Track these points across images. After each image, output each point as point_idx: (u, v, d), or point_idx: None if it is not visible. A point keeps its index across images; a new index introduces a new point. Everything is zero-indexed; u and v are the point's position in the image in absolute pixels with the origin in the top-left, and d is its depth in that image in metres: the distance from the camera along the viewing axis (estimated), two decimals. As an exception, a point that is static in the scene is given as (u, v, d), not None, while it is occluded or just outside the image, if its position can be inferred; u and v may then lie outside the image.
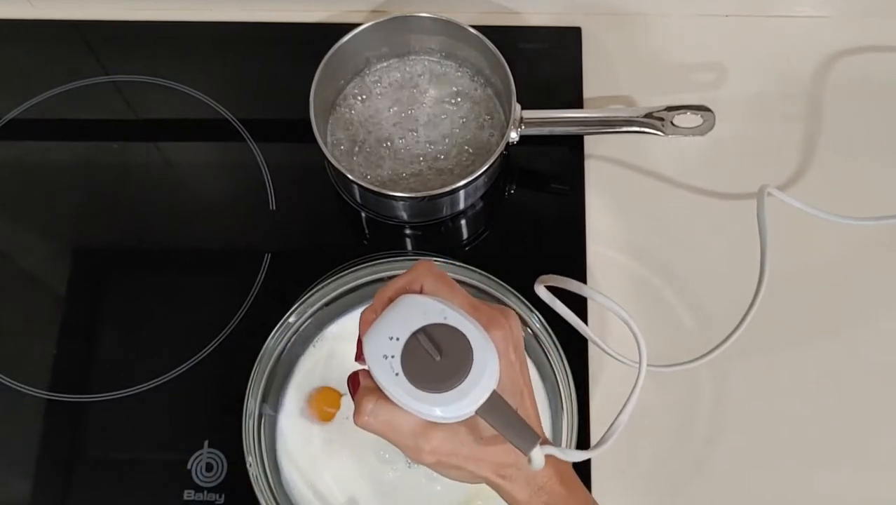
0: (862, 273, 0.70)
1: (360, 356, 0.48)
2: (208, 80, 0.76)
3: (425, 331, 0.45)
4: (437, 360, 0.45)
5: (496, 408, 0.45)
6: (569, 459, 0.49)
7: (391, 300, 0.47)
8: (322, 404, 0.63)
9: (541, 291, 0.57)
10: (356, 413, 0.47)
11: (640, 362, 0.52)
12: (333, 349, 0.65)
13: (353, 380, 0.49)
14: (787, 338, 0.68)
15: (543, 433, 0.50)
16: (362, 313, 0.49)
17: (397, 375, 0.45)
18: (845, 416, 0.66)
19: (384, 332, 0.46)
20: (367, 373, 0.47)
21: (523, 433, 0.45)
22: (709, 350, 0.62)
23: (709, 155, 0.73)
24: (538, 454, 0.45)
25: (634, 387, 0.51)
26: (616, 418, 0.50)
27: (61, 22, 0.78)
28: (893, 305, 0.70)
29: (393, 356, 0.45)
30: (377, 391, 0.46)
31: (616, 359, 0.61)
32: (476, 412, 0.45)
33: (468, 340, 0.45)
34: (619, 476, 0.65)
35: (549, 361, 0.62)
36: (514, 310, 0.51)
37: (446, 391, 0.44)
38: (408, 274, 0.49)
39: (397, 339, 0.45)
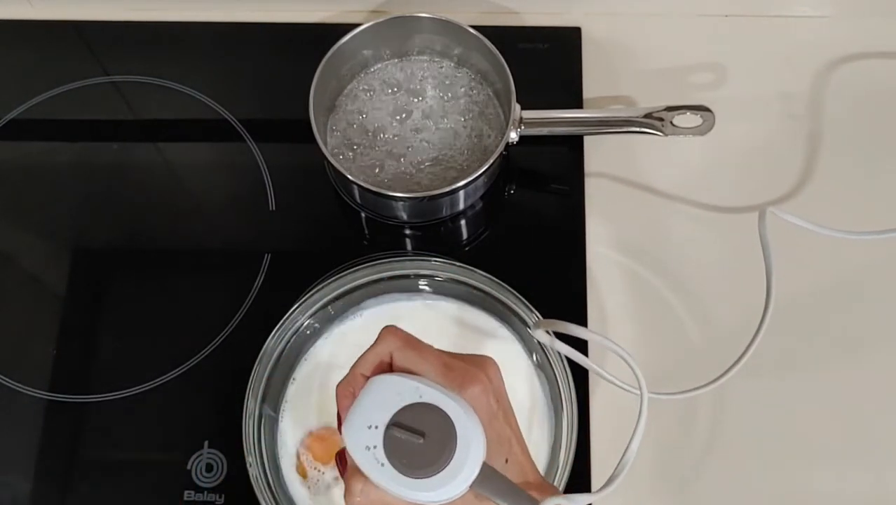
0: (867, 285, 0.69)
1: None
2: (208, 80, 0.76)
3: (403, 414, 0.44)
4: (419, 442, 0.44)
5: (488, 479, 0.45)
6: None
7: (365, 377, 0.46)
8: (320, 451, 0.62)
9: (539, 334, 0.57)
10: (346, 494, 0.46)
11: (640, 411, 0.50)
12: (333, 350, 0.65)
13: (341, 458, 0.49)
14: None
15: (540, 475, 0.49)
16: (338, 387, 0.48)
17: (382, 465, 0.44)
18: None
19: (362, 421, 0.45)
20: None
21: (519, 500, 0.45)
22: (712, 379, 0.59)
23: (708, 155, 0.73)
24: None
25: (635, 432, 0.50)
26: (619, 462, 0.49)
27: (61, 22, 0.78)
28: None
29: (375, 446, 0.44)
30: None
31: (620, 387, 0.59)
32: (470, 488, 0.44)
33: (448, 416, 0.44)
34: (620, 491, 0.64)
35: (548, 361, 0.62)
36: (490, 357, 0.49)
37: (435, 474, 0.44)
38: (375, 346, 0.48)
39: (376, 427, 0.44)
